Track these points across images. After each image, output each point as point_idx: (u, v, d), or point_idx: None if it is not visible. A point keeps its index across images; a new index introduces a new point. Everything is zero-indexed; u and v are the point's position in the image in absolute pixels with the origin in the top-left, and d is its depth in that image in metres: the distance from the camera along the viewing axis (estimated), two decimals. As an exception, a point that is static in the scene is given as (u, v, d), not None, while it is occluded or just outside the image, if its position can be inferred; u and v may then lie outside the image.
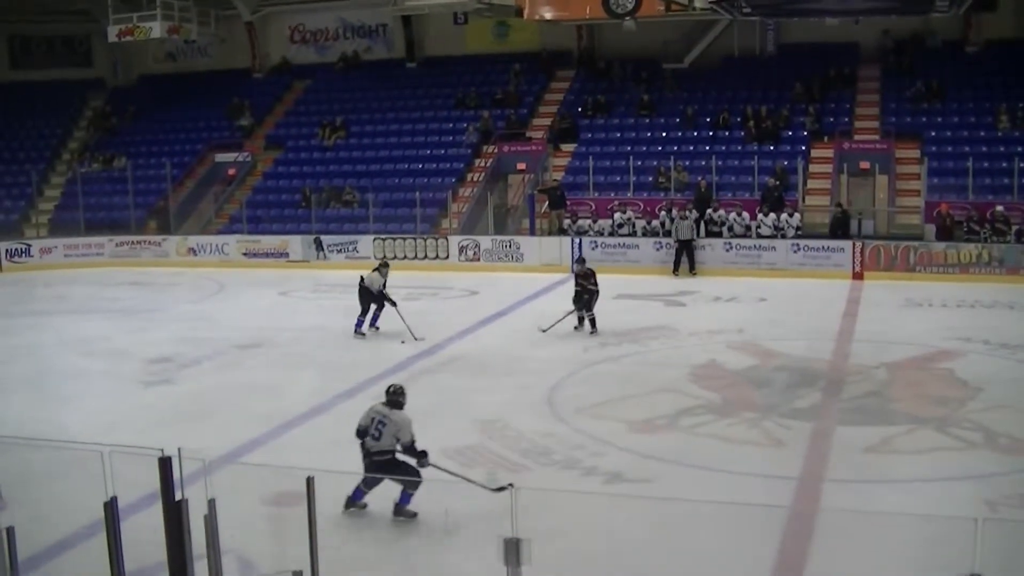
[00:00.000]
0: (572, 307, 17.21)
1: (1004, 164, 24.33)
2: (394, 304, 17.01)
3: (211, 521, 6.03)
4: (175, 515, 5.93)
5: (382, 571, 8.36)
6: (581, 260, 18.23)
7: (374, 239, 26.25)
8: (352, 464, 9.03)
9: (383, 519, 9.02)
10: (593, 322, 17.13)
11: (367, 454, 9.05)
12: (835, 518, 8.92)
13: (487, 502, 8.28)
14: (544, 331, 16.91)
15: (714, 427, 12.01)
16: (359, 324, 17.24)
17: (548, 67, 31.71)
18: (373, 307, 17.21)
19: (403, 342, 16.38)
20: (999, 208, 23.07)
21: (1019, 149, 24.63)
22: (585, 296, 17.17)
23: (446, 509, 8.81)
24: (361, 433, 9.08)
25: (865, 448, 11.04)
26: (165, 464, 5.90)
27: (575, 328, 17.15)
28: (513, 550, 5.91)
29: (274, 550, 8.23)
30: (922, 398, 13.01)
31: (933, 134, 26.17)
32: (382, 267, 17.59)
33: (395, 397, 9.17)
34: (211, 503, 6.05)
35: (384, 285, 17.19)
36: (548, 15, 25.37)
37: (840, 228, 23.62)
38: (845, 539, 8.36)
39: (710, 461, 10.71)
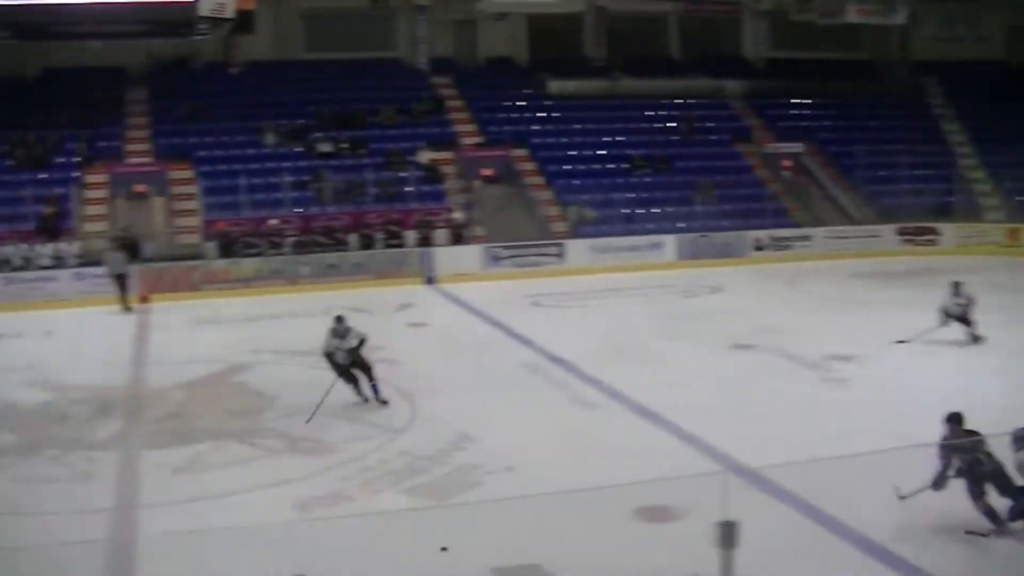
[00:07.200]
0: None
1: (273, 179, 25.94)
2: None
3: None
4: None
5: None
6: None
7: None
8: None
9: None
10: None
11: None
12: (157, 543, 8.97)
13: None
14: None
15: (17, 469, 11.47)
16: None
17: None
18: None
19: None
20: (273, 221, 24.69)
21: (285, 164, 26.60)
22: None
23: None
24: None
25: (175, 469, 11.27)
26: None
27: None
28: None
29: None
30: (222, 413, 13.60)
31: (203, 154, 27.00)
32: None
33: None
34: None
35: None
36: None
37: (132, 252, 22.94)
38: (171, 563, 8.46)
39: (19, 505, 10.23)
